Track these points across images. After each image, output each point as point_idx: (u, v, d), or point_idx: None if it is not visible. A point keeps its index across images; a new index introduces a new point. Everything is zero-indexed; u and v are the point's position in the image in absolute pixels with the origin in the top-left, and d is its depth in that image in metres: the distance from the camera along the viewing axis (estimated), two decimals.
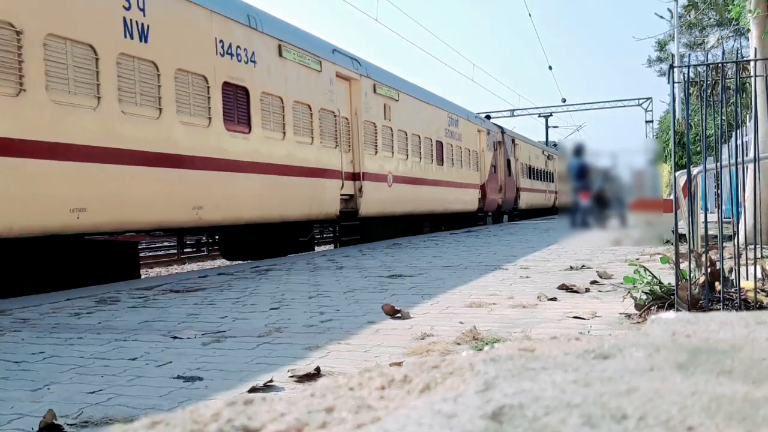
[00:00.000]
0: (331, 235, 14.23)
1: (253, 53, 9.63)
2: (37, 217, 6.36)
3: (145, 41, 7.59)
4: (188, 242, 12.14)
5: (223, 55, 8.95)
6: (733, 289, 3.46)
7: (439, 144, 17.54)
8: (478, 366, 0.92)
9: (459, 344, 3.06)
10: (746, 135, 9.43)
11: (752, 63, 4.40)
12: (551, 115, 47.87)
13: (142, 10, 7.55)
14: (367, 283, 5.68)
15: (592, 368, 0.91)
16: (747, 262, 3.65)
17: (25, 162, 6.20)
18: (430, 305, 4.34)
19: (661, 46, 36.63)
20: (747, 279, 3.58)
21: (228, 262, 11.18)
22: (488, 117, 26.45)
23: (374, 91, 13.62)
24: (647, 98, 43.92)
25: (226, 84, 8.97)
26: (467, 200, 19.93)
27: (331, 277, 6.36)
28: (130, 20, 7.38)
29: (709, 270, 3.43)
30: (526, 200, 27.90)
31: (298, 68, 10.85)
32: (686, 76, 3.43)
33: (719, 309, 3.34)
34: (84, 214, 6.74)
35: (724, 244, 3.92)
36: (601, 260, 6.86)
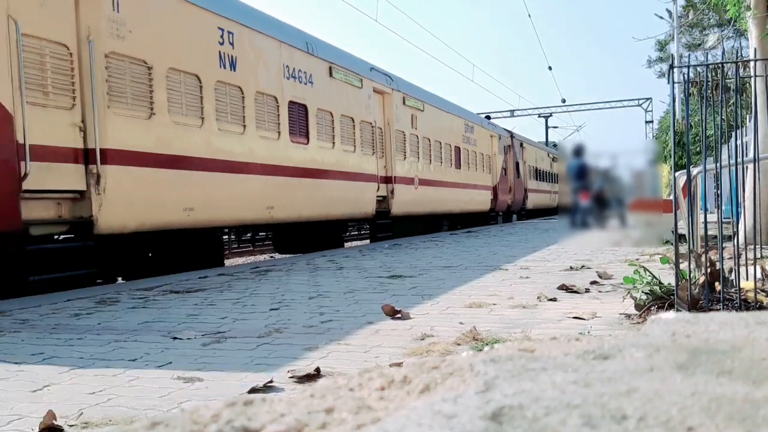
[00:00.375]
0: (367, 232, 16.00)
1: (310, 75, 11.36)
2: (163, 215, 7.88)
3: (234, 70, 9.25)
4: (241, 238, 13.35)
5: (288, 78, 10.66)
6: (733, 290, 3.46)
7: (457, 149, 19.13)
8: (477, 366, 0.92)
9: (459, 345, 3.06)
10: (746, 135, 9.43)
11: (752, 63, 4.40)
12: (551, 115, 47.86)
13: (232, 44, 9.22)
14: (367, 284, 5.68)
15: (592, 369, 0.91)
16: (747, 263, 3.65)
17: (156, 171, 7.71)
18: (430, 306, 4.34)
19: (661, 46, 36.64)
20: (747, 279, 3.58)
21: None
22: (488, 117, 26.80)
23: (403, 103, 15.28)
24: (647, 98, 43.95)
25: (291, 102, 10.67)
26: (481, 201, 21.41)
27: (331, 277, 6.36)
28: (224, 53, 9.05)
29: (708, 270, 3.43)
30: (533, 201, 29.19)
31: (344, 86, 12.57)
32: (686, 76, 3.43)
33: (719, 309, 3.34)
34: (192, 213, 8.24)
35: (724, 245, 3.92)
36: (601, 260, 6.86)
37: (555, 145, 39.29)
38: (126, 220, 7.30)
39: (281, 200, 10.22)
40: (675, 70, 3.47)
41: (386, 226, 14.31)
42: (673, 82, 3.42)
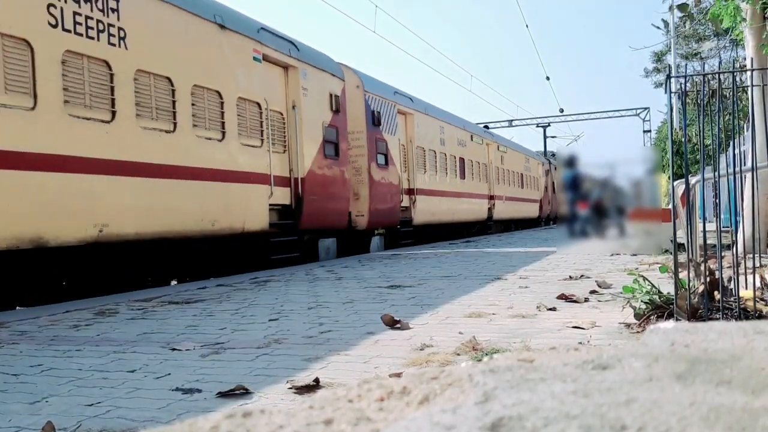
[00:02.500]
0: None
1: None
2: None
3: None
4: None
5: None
6: (732, 299, 3.46)
7: (521, 175, 27.37)
8: (477, 377, 0.92)
9: (458, 355, 3.06)
10: (744, 144, 9.46)
11: (749, 73, 4.42)
12: (549, 125, 47.98)
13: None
14: (366, 294, 5.67)
15: (591, 379, 0.91)
16: (746, 272, 3.65)
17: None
18: (429, 316, 4.33)
19: (658, 56, 36.81)
20: (746, 288, 3.58)
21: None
22: (486, 127, 27.56)
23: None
24: (645, 108, 44.08)
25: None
26: (533, 210, 29.74)
27: (330, 287, 6.35)
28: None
29: (708, 279, 3.44)
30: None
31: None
32: (683, 86, 3.45)
33: (718, 318, 3.34)
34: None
35: (723, 254, 3.92)
36: (600, 270, 6.86)
37: (553, 155, 39.57)
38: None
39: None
40: (672, 79, 3.49)
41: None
42: (670, 92, 3.43)
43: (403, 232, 15.02)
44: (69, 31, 6.63)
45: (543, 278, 6.36)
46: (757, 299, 3.49)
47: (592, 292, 5.08)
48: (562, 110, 46.51)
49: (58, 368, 3.18)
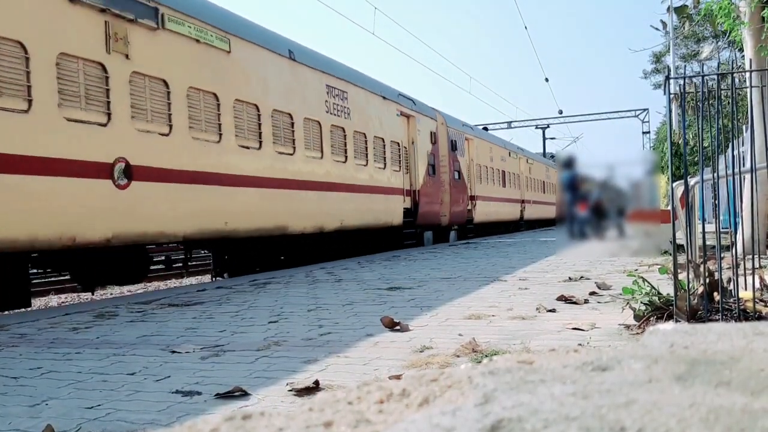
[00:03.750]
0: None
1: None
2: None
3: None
4: None
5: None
6: (731, 300, 3.47)
7: (543, 183, 32.10)
8: (476, 379, 0.92)
9: (458, 356, 3.06)
10: (743, 145, 9.45)
11: (747, 74, 4.42)
12: (548, 126, 48.01)
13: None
14: (365, 296, 5.67)
15: (591, 380, 0.91)
16: (745, 272, 3.65)
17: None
18: (429, 317, 4.33)
19: (657, 58, 36.85)
20: (746, 289, 3.58)
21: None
22: (485, 129, 27.86)
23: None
24: (644, 109, 44.12)
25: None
26: (551, 212, 31.17)
27: (329, 290, 6.35)
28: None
29: (707, 280, 3.44)
30: None
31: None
32: (682, 87, 3.45)
33: (718, 319, 3.34)
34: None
35: (723, 255, 3.92)
36: (599, 271, 6.86)
37: (552, 157, 39.75)
38: None
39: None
40: (671, 81, 3.49)
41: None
42: (669, 93, 3.43)
43: (467, 228, 20.00)
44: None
45: (542, 280, 6.36)
46: (756, 300, 3.49)
47: (592, 293, 5.08)
48: (561, 111, 46.59)
49: (58, 371, 3.18)
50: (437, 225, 16.96)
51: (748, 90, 4.13)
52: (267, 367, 3.07)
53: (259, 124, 9.67)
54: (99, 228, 6.94)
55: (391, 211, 14.06)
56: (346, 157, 12.28)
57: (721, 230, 7.65)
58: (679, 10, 17.01)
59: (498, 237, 19.48)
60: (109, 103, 7.01)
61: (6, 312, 6.20)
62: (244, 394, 2.58)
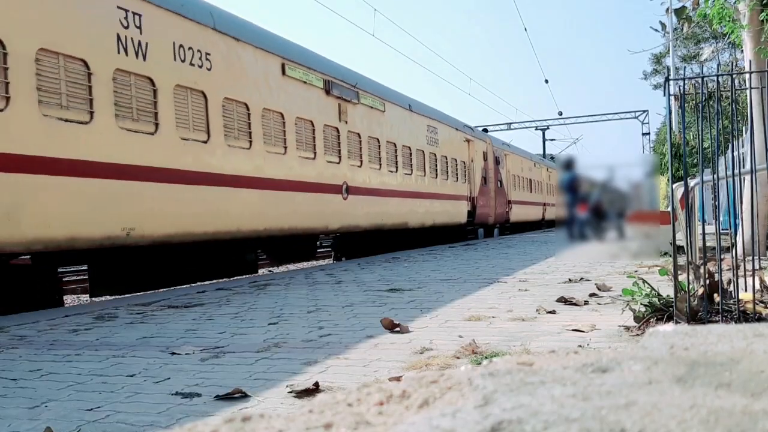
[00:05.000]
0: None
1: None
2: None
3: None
4: None
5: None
6: (731, 301, 3.46)
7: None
8: (476, 380, 0.92)
9: (458, 358, 3.05)
10: (743, 147, 9.45)
11: (747, 75, 4.42)
12: (548, 128, 48.04)
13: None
14: (365, 297, 5.67)
15: (591, 382, 0.91)
16: (745, 274, 3.65)
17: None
18: (429, 319, 4.33)
19: (657, 59, 36.87)
20: (746, 290, 3.58)
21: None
22: (485, 131, 28.02)
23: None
24: (644, 111, 44.16)
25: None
26: None
27: (329, 291, 6.35)
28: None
29: (707, 282, 3.44)
30: None
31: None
32: (682, 89, 3.45)
33: (718, 321, 3.34)
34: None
35: (723, 256, 3.92)
36: (599, 273, 6.86)
37: (552, 158, 39.80)
38: None
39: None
40: (670, 82, 3.49)
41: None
42: (669, 95, 3.43)
43: (505, 227, 24.52)
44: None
45: (542, 281, 6.36)
46: (756, 302, 3.49)
47: (592, 295, 5.08)
48: (560, 113, 46.60)
49: (58, 373, 3.17)
50: (487, 223, 21.93)
51: (748, 91, 4.13)
52: (267, 369, 3.07)
53: (396, 156, 14.84)
54: (323, 223, 11.56)
55: (459, 212, 19.10)
56: (437, 173, 17.41)
57: (721, 231, 7.65)
58: (679, 12, 17.04)
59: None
60: (340, 149, 12.15)
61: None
62: (244, 396, 2.58)
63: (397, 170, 14.73)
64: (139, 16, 7.48)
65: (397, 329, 3.89)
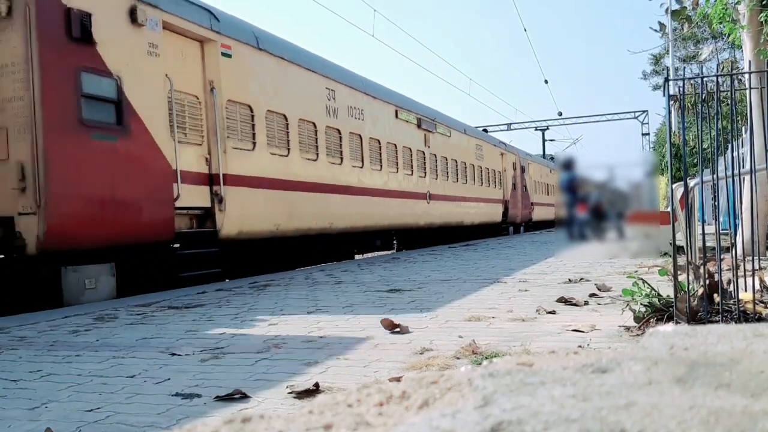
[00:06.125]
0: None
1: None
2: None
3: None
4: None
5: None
6: (731, 301, 3.46)
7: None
8: (476, 381, 0.92)
9: (458, 358, 3.05)
10: (742, 147, 9.45)
11: (746, 76, 4.42)
12: (548, 128, 48.04)
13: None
14: (365, 298, 5.67)
15: (591, 382, 0.91)
16: (745, 274, 3.65)
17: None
18: (429, 319, 4.33)
19: (657, 59, 36.89)
20: (745, 291, 3.58)
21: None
22: (485, 131, 28.79)
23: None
24: (643, 111, 44.15)
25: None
26: None
27: (329, 292, 6.35)
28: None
29: (707, 282, 3.44)
30: None
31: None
32: (681, 89, 3.45)
33: (718, 321, 3.34)
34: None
35: (722, 256, 3.92)
36: (599, 273, 6.86)
37: (552, 158, 39.92)
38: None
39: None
40: (670, 83, 3.49)
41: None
42: (668, 95, 3.43)
43: (528, 225, 28.46)
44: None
45: (542, 281, 6.36)
46: (756, 302, 3.49)
47: (592, 295, 5.08)
48: (560, 113, 46.61)
49: (58, 374, 3.17)
50: (515, 222, 26.21)
51: (748, 91, 4.13)
52: (267, 370, 3.07)
53: (457, 169, 19.42)
54: (414, 220, 16.05)
55: (496, 213, 23.64)
56: (482, 182, 21.93)
57: (721, 232, 7.66)
58: (677, 13, 17.03)
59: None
60: (426, 167, 16.71)
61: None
62: (244, 397, 2.58)
63: (457, 180, 19.40)
64: (333, 91, 12.08)
65: (397, 330, 3.89)
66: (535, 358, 1.10)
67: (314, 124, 11.24)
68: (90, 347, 3.87)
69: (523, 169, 27.66)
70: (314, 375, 2.89)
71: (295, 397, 2.55)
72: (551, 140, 57.87)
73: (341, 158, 12.16)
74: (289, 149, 10.45)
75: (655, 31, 27.82)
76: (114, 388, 2.84)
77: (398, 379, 1.57)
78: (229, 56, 9.00)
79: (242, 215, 9.06)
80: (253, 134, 9.49)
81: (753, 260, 3.74)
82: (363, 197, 13.02)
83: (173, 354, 3.52)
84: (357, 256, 13.85)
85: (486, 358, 3.02)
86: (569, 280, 6.30)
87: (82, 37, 6.68)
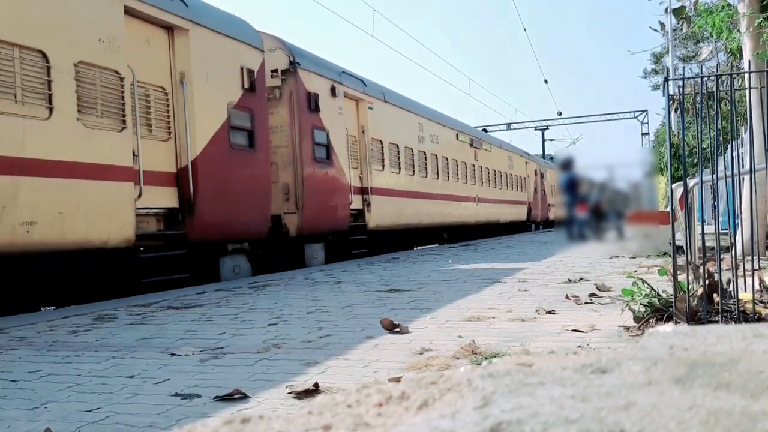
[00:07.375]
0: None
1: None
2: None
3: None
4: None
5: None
6: (731, 301, 3.46)
7: None
8: (476, 382, 0.92)
9: (458, 359, 3.05)
10: (742, 147, 9.45)
11: (746, 75, 4.42)
12: (547, 128, 48.08)
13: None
14: (365, 298, 5.67)
15: (590, 383, 0.91)
16: (745, 274, 3.65)
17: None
18: (428, 319, 4.33)
19: (657, 59, 36.90)
20: (745, 290, 3.58)
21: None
22: (485, 131, 29.02)
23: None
24: (643, 111, 44.16)
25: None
26: None
27: (329, 292, 6.35)
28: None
29: (707, 282, 3.44)
30: None
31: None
32: (681, 89, 3.45)
33: (718, 321, 3.34)
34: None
35: (722, 256, 3.92)
36: (599, 273, 6.86)
37: (552, 158, 40.00)
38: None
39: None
40: (669, 82, 3.49)
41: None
42: (668, 95, 3.43)
43: (547, 224, 31.75)
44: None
45: (542, 281, 6.36)
46: (756, 302, 3.49)
47: (592, 295, 5.07)
48: (560, 113, 46.66)
49: (57, 374, 3.17)
50: (536, 221, 30.06)
51: (747, 91, 4.13)
52: (266, 370, 3.07)
53: (495, 178, 23.50)
54: (468, 219, 20.35)
55: (522, 213, 27.75)
56: (512, 187, 26.18)
57: (721, 232, 7.65)
58: (677, 12, 17.04)
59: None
60: (475, 176, 20.90)
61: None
62: (244, 397, 2.58)
63: (496, 186, 23.61)
64: (421, 123, 16.65)
65: (397, 330, 3.89)
66: (535, 358, 1.10)
67: (412, 149, 15.86)
68: (89, 347, 3.87)
69: (542, 176, 32.08)
70: (314, 375, 2.89)
71: (294, 398, 2.55)
72: (551, 140, 57.85)
73: (426, 173, 16.71)
74: (399, 168, 14.98)
75: (655, 30, 27.83)
76: (113, 388, 2.84)
77: (397, 380, 1.57)
78: (372, 109, 13.63)
79: (378, 215, 13.50)
80: (382, 159, 14.08)
81: (752, 260, 3.74)
82: (440, 201, 17.62)
83: (173, 354, 3.52)
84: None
85: (485, 358, 3.02)
86: (569, 279, 6.30)
87: (315, 108, 11.14)
